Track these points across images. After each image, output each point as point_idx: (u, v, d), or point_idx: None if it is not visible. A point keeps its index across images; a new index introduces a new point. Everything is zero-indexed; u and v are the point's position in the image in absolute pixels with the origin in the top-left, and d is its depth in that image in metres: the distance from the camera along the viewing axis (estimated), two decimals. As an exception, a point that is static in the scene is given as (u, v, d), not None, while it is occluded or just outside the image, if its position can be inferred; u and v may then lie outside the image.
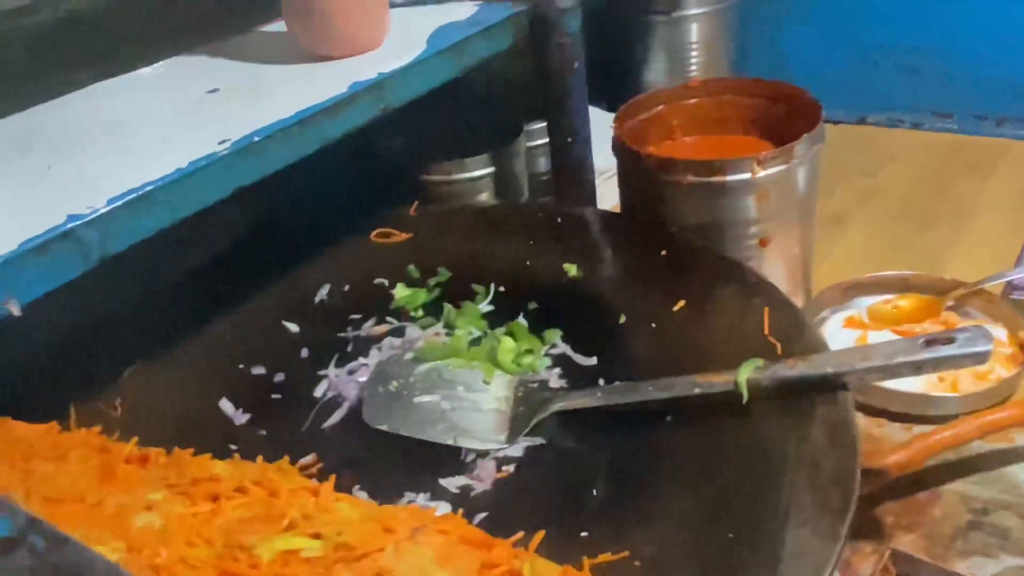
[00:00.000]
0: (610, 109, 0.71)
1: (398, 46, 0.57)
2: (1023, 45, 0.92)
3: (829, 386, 0.47)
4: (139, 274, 0.57)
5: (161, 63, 0.60)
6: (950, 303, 0.69)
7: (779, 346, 0.51)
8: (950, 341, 0.45)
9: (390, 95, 0.52)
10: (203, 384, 0.55)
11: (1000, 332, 0.66)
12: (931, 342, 0.46)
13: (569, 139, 0.67)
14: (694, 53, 1.00)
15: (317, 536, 0.35)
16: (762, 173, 0.61)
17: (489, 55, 0.60)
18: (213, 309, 0.60)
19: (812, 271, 0.73)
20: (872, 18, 0.99)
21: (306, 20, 0.54)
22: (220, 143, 0.45)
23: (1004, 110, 0.96)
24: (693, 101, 0.73)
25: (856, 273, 0.73)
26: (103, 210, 0.39)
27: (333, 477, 0.40)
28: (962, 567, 0.49)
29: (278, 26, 0.67)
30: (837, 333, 0.69)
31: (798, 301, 0.70)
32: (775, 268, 0.66)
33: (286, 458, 0.43)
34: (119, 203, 0.40)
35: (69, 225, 0.38)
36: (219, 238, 0.63)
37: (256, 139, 0.46)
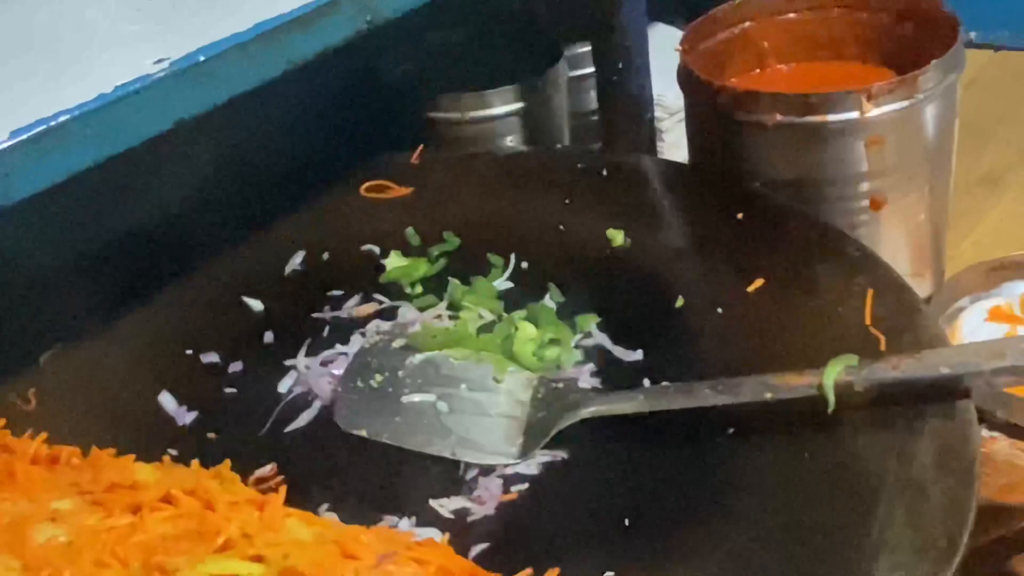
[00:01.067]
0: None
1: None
2: None
3: (945, 393, 0.48)
4: (62, 234, 0.60)
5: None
6: None
7: (883, 340, 0.52)
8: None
9: (378, 3, 0.54)
10: (139, 374, 0.58)
11: None
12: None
13: (620, 65, 0.68)
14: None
15: (259, 559, 0.37)
16: (875, 111, 0.62)
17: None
18: (155, 280, 0.63)
19: (947, 246, 0.73)
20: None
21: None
22: (156, 62, 0.46)
23: None
24: (792, 16, 0.74)
25: (1013, 250, 0.73)
26: (5, 145, 0.41)
27: (283, 488, 0.42)
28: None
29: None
30: (978, 328, 0.69)
31: (926, 284, 0.71)
32: (893, 240, 0.67)
33: (226, 462, 0.45)
34: (25, 136, 0.41)
35: (-38, 164, 0.40)
36: (163, 189, 0.66)
37: (202, 58, 0.47)
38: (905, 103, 0.62)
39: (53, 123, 0.43)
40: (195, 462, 0.45)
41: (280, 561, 0.37)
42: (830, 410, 0.48)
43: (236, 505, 0.40)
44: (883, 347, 0.51)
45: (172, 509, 0.39)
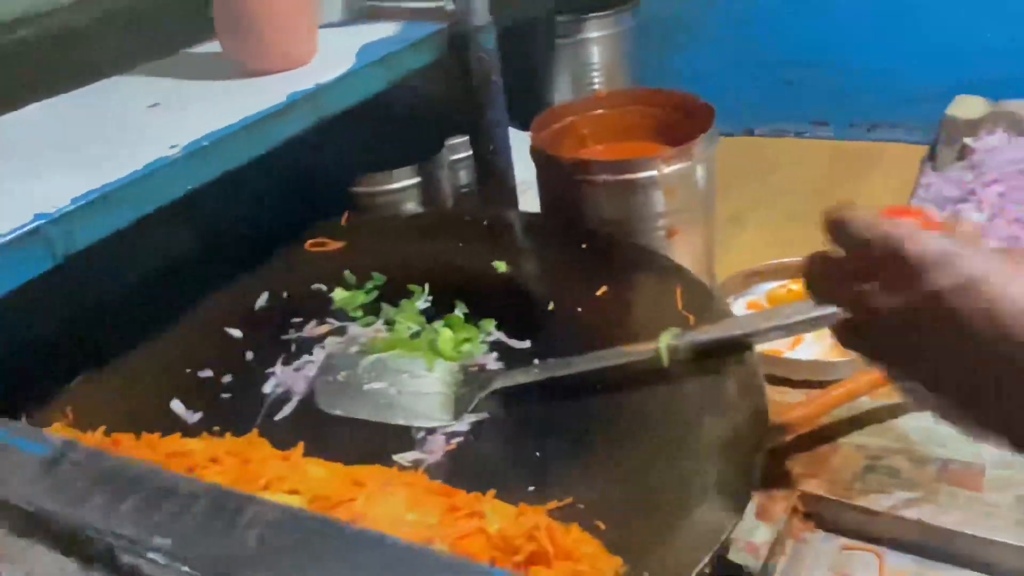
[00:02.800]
0: (523, 128, 0.76)
1: (329, 61, 0.61)
2: (888, 59, 1.04)
3: (738, 347, 0.53)
4: (85, 287, 0.59)
5: (97, 83, 0.62)
6: (837, 283, 0.77)
7: (692, 318, 0.57)
8: (836, 300, 0.53)
9: (325, 104, 0.56)
10: (152, 388, 0.57)
11: (881, 305, 0.74)
12: (821, 302, 0.53)
13: (491, 147, 0.72)
14: (596, 74, 1.08)
15: (294, 492, 0.38)
16: (667, 170, 0.68)
17: (415, 68, 0.65)
18: (157, 320, 0.62)
19: (715, 262, 0.80)
20: (753, 39, 1.10)
21: (241, 36, 0.58)
22: (171, 148, 0.48)
23: (874, 117, 1.08)
24: (600, 112, 0.79)
25: (755, 264, 0.81)
26: (68, 209, 0.42)
27: (301, 444, 0.43)
28: (861, 502, 0.56)
29: (205, 47, 0.70)
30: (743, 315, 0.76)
31: (705, 288, 0.77)
32: (682, 257, 0.71)
33: (255, 431, 0.45)
34: (82, 203, 0.42)
35: (36, 223, 0.41)
36: (161, 251, 0.65)
37: (205, 143, 0.49)
38: (686, 164, 0.68)
39: (102, 192, 0.44)
40: (229, 433, 0.46)
41: (310, 492, 0.38)
42: (665, 365, 0.52)
43: (267, 459, 0.41)
44: (692, 322, 0.56)
45: (219, 466, 0.40)
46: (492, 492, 0.45)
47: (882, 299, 0.34)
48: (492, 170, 0.73)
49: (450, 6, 0.68)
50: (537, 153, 0.72)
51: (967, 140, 0.89)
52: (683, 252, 0.72)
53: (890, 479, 0.58)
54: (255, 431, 0.46)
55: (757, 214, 0.96)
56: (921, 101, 1.01)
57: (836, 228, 0.37)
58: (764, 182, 1.02)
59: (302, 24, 0.60)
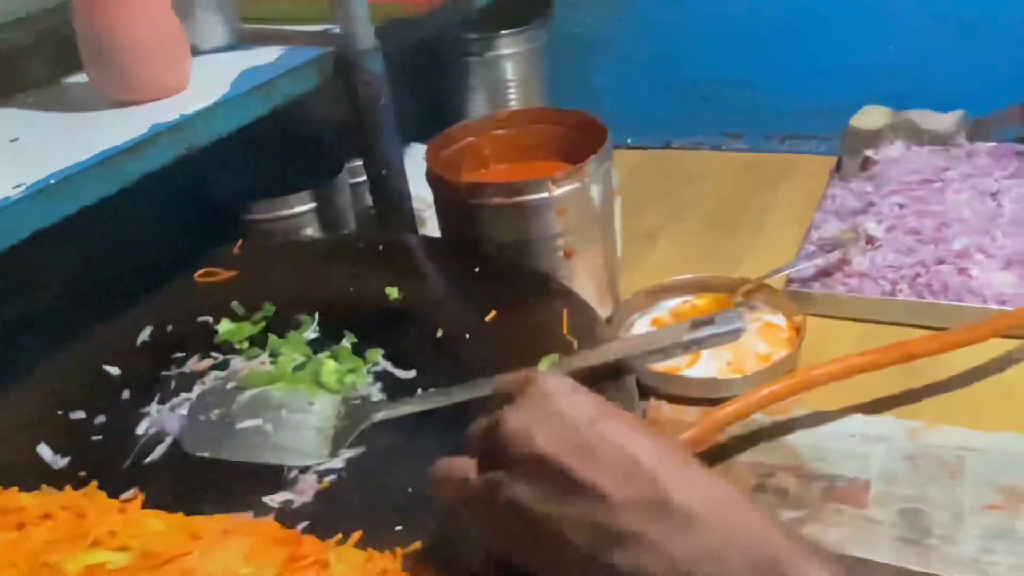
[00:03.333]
0: (437, 145, 0.75)
1: (202, 89, 0.59)
2: (797, 74, 1.05)
3: (616, 373, 0.53)
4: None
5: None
6: (739, 298, 0.77)
7: (576, 343, 0.57)
8: (711, 322, 0.53)
9: (194, 135, 0.55)
10: (19, 432, 0.54)
11: (779, 319, 0.75)
12: (696, 325, 0.53)
13: (384, 171, 0.71)
14: (511, 90, 1.07)
15: (124, 548, 0.36)
16: (559, 191, 0.67)
17: (297, 95, 0.63)
18: (30, 357, 0.60)
19: (621, 279, 0.79)
20: (667, 55, 1.10)
21: (106, 67, 0.56)
22: (15, 187, 0.46)
23: (787, 129, 1.09)
24: (502, 131, 0.78)
25: (663, 280, 0.81)
26: None
27: (141, 496, 0.41)
28: (748, 523, 0.56)
29: (81, 77, 0.67)
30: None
31: (607, 307, 0.76)
32: (582, 278, 0.71)
33: (93, 484, 0.44)
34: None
35: None
36: (38, 284, 0.63)
37: (52, 181, 0.47)
38: (578, 184, 0.67)
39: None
40: (68, 487, 0.44)
41: (140, 547, 0.37)
42: (543, 393, 0.52)
43: (104, 512, 0.39)
44: (576, 348, 0.56)
45: (51, 522, 0.38)
46: (358, 534, 0.44)
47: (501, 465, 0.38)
48: (387, 193, 0.72)
49: (335, 29, 0.66)
50: (431, 176, 0.71)
51: (868, 151, 0.90)
52: (582, 272, 0.72)
53: (777, 498, 0.58)
54: (93, 483, 0.44)
55: (671, 228, 0.96)
56: (832, 112, 1.02)
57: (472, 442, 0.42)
58: (679, 195, 1.02)
59: (171, 52, 0.58)
